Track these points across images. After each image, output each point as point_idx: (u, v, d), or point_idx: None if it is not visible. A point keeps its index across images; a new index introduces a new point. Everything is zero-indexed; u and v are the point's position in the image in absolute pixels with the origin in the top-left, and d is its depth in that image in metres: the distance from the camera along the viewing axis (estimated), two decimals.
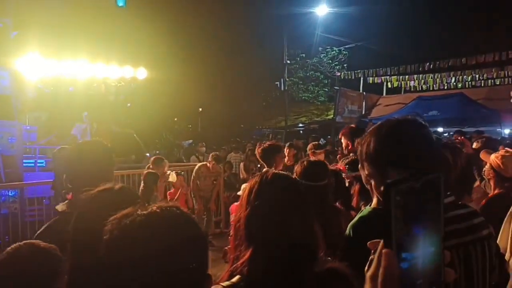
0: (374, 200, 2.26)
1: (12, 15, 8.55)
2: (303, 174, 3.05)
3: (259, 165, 10.82)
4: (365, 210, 2.25)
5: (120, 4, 12.45)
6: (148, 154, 14.57)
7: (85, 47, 10.38)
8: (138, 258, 1.06)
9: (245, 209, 1.53)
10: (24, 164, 9.14)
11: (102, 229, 1.37)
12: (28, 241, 2.05)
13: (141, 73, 11.82)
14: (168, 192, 7.82)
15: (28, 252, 1.93)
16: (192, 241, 1.16)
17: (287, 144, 9.21)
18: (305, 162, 3.18)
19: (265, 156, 4.82)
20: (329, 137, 16.65)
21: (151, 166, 7.08)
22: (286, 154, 8.84)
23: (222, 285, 1.48)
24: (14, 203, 7.36)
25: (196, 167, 8.79)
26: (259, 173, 1.63)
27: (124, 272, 1.08)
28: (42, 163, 10.94)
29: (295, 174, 3.08)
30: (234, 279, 1.49)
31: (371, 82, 22.45)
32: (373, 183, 2.24)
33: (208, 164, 8.72)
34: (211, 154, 9.02)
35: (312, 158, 4.91)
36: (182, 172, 8.34)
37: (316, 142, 7.94)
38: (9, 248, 1.99)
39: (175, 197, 7.58)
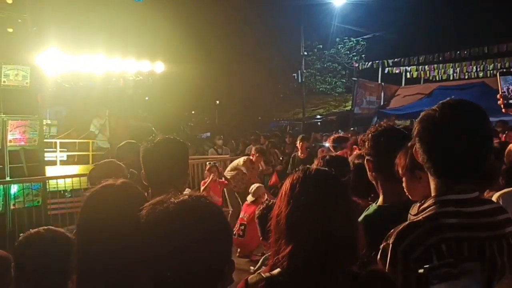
0: (381, 198, 2.24)
1: (30, 11, 8.63)
2: None
3: (280, 158, 10.80)
4: (371, 208, 2.24)
5: None
6: None
7: (103, 41, 10.45)
8: (169, 242, 1.20)
9: (286, 203, 1.53)
10: (45, 158, 9.29)
11: (106, 223, 1.53)
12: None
13: (159, 66, 11.87)
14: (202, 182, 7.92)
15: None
16: (218, 229, 1.29)
17: (299, 137, 9.13)
18: (327, 157, 3.16)
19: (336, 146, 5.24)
20: (351, 129, 16.51)
21: None
22: (299, 147, 8.78)
23: (262, 275, 1.52)
24: (37, 196, 7.48)
25: (241, 161, 8.45)
26: (301, 168, 1.63)
27: (157, 253, 1.22)
28: (63, 156, 11.13)
29: None
30: (274, 272, 1.51)
31: (389, 72, 22.18)
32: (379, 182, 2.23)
33: (251, 158, 8.49)
34: (254, 147, 8.80)
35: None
36: (216, 163, 8.28)
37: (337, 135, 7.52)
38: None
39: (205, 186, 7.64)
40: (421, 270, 0.82)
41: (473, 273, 0.80)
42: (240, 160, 8.61)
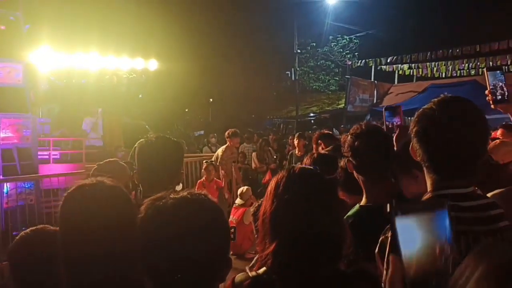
0: (364, 198, 2.27)
1: (23, 8, 8.58)
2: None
3: (274, 156, 10.83)
4: (354, 208, 2.26)
5: None
6: None
7: (96, 39, 10.41)
8: (167, 235, 1.22)
9: (271, 203, 1.55)
10: (38, 156, 9.25)
11: (84, 223, 1.54)
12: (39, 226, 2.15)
13: (152, 64, 11.85)
14: (199, 181, 7.88)
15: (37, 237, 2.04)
16: (215, 226, 1.30)
17: (296, 135, 9.19)
18: (315, 155, 3.17)
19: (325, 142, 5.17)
20: (342, 126, 16.55)
21: None
22: (296, 144, 8.83)
23: (248, 274, 1.54)
24: (30, 194, 7.46)
25: (221, 152, 8.67)
26: (287, 167, 1.65)
27: (154, 246, 1.24)
28: (56, 155, 11.07)
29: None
30: (260, 271, 1.53)
31: (383, 69, 22.28)
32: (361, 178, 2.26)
33: (228, 144, 8.65)
34: (226, 133, 8.85)
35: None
36: (213, 162, 8.26)
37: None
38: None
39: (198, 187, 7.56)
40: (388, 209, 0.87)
41: (438, 207, 0.84)
42: (218, 154, 8.67)
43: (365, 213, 2.15)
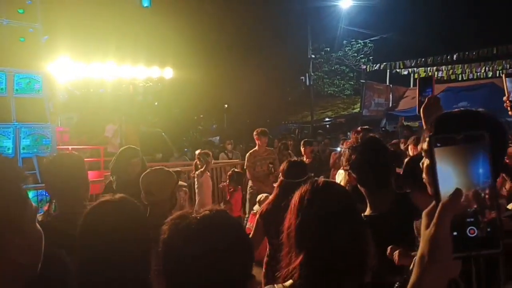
0: (368, 208, 2.29)
1: (41, 20, 8.75)
2: (286, 173, 3.40)
3: None
4: None
5: (145, 4, 12.61)
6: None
7: (112, 49, 10.57)
8: (190, 256, 1.24)
9: (295, 217, 1.57)
10: None
11: (105, 239, 1.62)
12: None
13: (168, 72, 11.97)
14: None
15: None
16: (238, 244, 1.32)
17: (302, 142, 9.18)
18: (286, 162, 3.53)
19: None
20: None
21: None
22: (303, 152, 8.80)
23: (275, 287, 1.56)
24: (50, 203, 7.57)
25: (248, 154, 8.04)
26: (310, 181, 1.67)
27: (179, 267, 1.26)
28: None
29: (280, 172, 3.44)
30: (287, 283, 1.55)
31: (399, 73, 22.10)
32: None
33: (258, 143, 7.93)
34: (255, 131, 8.08)
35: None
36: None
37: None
38: None
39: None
40: (427, 139, 0.85)
41: (479, 140, 0.81)
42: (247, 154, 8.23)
43: (369, 223, 2.18)
